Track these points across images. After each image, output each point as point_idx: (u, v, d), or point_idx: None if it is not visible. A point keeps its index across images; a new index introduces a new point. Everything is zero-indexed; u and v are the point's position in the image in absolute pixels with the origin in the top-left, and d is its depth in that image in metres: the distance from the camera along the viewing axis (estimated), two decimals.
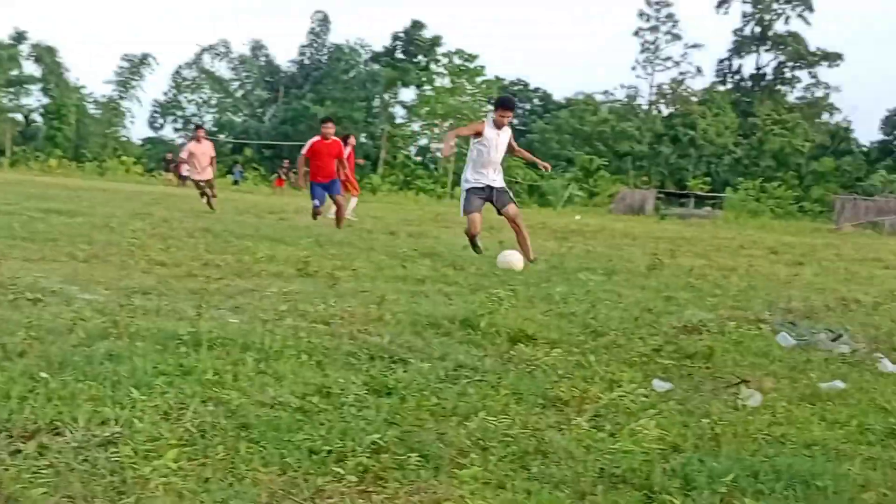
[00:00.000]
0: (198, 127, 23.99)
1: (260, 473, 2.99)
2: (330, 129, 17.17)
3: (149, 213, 17.53)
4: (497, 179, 11.86)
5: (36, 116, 71.46)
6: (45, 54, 70.04)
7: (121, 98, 75.96)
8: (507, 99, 12.65)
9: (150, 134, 79.86)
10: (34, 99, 71.47)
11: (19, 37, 70.27)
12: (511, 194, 12.09)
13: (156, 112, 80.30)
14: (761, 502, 3.05)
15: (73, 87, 70.93)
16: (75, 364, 4.26)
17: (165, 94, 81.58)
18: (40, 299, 6.13)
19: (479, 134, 11.65)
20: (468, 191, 11.83)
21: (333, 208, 17.79)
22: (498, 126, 11.59)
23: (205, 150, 21.74)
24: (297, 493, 2.88)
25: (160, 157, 63.07)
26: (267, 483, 2.93)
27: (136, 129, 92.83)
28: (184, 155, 22.63)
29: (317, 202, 17.34)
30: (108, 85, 76.34)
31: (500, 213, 11.87)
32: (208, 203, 21.34)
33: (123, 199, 23.83)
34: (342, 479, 2.99)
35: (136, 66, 76.41)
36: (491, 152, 11.64)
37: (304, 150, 17.28)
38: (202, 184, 21.62)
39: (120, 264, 8.67)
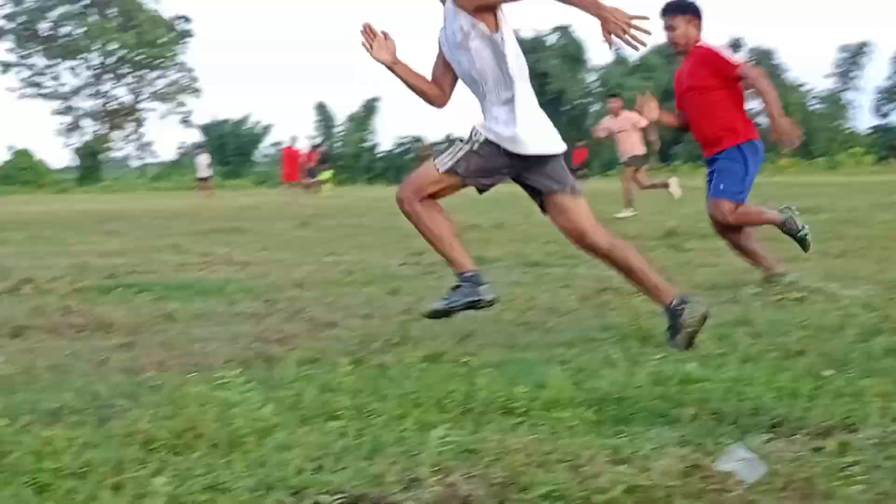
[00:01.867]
0: (611, 96, 18.46)
1: None
2: None
3: (892, 203, 16.86)
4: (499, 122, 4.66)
5: None
6: (762, 58, 71.41)
7: (843, 90, 74.77)
8: None
9: (876, 122, 77.32)
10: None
11: (736, 43, 72.23)
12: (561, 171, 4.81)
13: (881, 100, 77.53)
14: None
15: (791, 85, 71.26)
16: (855, 361, 4.20)
17: (889, 79, 78.48)
18: (805, 298, 6.19)
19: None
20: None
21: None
22: None
23: (621, 123, 16.86)
24: None
25: (889, 145, 60.94)
26: None
27: (861, 118, 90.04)
28: (600, 133, 17.99)
29: None
30: (827, 79, 75.52)
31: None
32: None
33: (858, 192, 23.29)
34: None
35: (854, 56, 74.68)
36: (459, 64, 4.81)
37: None
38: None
39: (875, 258, 8.46)
